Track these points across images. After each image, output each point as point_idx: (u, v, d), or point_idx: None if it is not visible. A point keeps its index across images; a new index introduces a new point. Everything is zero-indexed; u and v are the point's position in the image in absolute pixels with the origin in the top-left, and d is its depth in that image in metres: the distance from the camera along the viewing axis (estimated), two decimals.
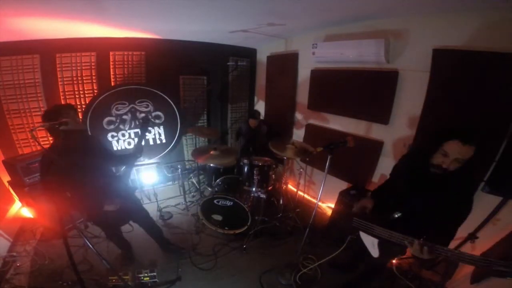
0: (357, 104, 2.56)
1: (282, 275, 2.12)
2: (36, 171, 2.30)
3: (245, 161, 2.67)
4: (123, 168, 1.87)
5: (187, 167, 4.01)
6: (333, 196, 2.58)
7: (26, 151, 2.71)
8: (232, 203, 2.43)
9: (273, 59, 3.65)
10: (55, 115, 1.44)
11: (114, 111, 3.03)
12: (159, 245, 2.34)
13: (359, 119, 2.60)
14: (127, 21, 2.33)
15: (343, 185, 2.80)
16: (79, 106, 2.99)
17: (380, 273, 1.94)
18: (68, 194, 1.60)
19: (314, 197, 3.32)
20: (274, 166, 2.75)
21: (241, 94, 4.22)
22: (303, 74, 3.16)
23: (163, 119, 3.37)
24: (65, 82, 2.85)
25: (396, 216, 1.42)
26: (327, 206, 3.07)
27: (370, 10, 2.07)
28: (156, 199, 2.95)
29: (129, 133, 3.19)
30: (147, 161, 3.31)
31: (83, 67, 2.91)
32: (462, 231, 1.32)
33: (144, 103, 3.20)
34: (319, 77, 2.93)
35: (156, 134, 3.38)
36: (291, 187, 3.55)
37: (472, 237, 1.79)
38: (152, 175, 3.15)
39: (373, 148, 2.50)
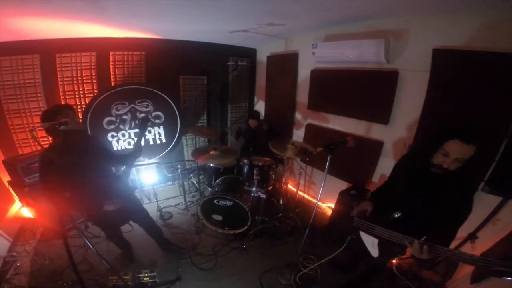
0: (357, 104, 2.56)
1: (282, 275, 2.12)
2: (36, 171, 2.30)
3: (245, 161, 2.67)
4: (122, 168, 1.87)
5: (187, 167, 4.01)
6: (333, 196, 2.58)
7: (26, 151, 2.72)
8: (232, 203, 2.43)
9: (273, 59, 3.65)
10: (55, 115, 1.44)
11: (114, 111, 3.03)
12: (159, 245, 2.34)
13: (359, 119, 2.60)
14: (127, 21, 2.33)
15: (343, 185, 2.80)
16: (79, 106, 2.99)
17: (380, 273, 1.95)
18: (68, 194, 1.60)
19: (314, 197, 3.32)
20: (274, 166, 2.75)
21: (241, 94, 4.22)
22: (303, 74, 3.16)
23: (163, 119, 3.37)
24: (65, 82, 2.85)
25: (396, 216, 1.42)
26: (327, 206, 3.07)
27: (370, 10, 2.07)
28: (156, 199, 2.95)
29: (129, 133, 3.19)
30: (147, 161, 3.31)
31: (83, 67, 2.91)
32: (462, 231, 1.32)
33: (144, 103, 3.20)
34: (319, 77, 2.93)
35: (156, 134, 3.38)
36: (291, 187, 3.55)
37: (472, 237, 1.79)
38: (152, 175, 3.15)
39: (373, 148, 2.49)
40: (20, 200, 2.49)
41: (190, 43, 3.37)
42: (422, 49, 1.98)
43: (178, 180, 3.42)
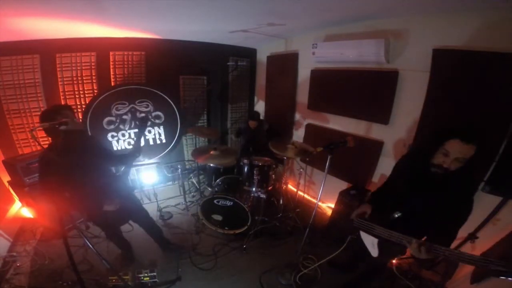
0: (357, 104, 2.56)
1: (282, 275, 2.12)
2: (36, 171, 2.30)
3: (245, 161, 2.67)
4: (122, 168, 1.87)
5: (187, 167, 4.01)
6: (333, 196, 2.58)
7: (26, 151, 2.72)
8: (232, 203, 2.43)
9: (273, 59, 3.65)
10: (54, 115, 1.44)
11: (114, 111, 3.03)
12: (159, 245, 2.34)
13: (359, 119, 2.60)
14: (127, 21, 2.33)
15: (343, 185, 2.80)
16: (79, 106, 2.99)
17: (380, 273, 1.95)
18: (67, 194, 1.60)
19: (314, 197, 3.32)
20: (274, 166, 2.75)
21: (241, 94, 4.22)
22: (303, 74, 3.16)
23: (163, 119, 3.37)
24: (65, 82, 2.85)
25: (396, 216, 1.42)
26: (327, 206, 3.07)
27: (370, 10, 2.07)
28: (156, 199, 2.95)
29: (129, 133, 3.19)
30: (147, 161, 3.31)
31: (83, 67, 2.91)
32: (462, 231, 1.32)
33: (144, 103, 3.20)
34: (319, 77, 2.93)
35: (156, 134, 3.38)
36: (291, 187, 3.55)
37: (472, 237, 1.79)
38: (152, 175, 3.15)
39: (373, 148, 2.49)
40: (20, 200, 2.49)
41: (190, 43, 3.37)
42: (422, 49, 1.98)
43: (178, 180, 3.42)
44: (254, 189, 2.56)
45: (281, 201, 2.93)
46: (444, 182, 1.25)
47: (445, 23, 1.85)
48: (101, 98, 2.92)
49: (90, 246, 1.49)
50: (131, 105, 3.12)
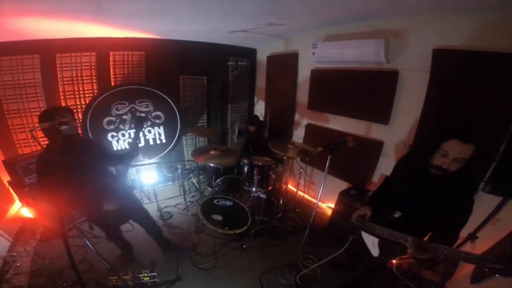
0: (357, 104, 2.56)
1: (282, 275, 2.12)
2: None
3: (245, 161, 2.67)
4: (120, 167, 1.87)
5: (187, 167, 4.01)
6: (333, 196, 2.58)
7: (26, 151, 2.72)
8: (232, 203, 2.43)
9: (273, 59, 3.65)
10: (54, 116, 1.44)
11: (114, 111, 3.03)
12: (159, 245, 2.34)
13: (359, 119, 2.60)
14: (127, 21, 2.33)
15: (343, 185, 2.80)
16: (79, 106, 2.99)
17: (380, 273, 1.94)
18: (67, 194, 1.60)
19: (314, 197, 3.32)
20: (274, 166, 2.75)
21: (241, 94, 4.22)
22: (303, 74, 3.16)
23: (163, 119, 3.37)
24: (65, 82, 2.85)
25: (397, 216, 1.42)
26: (327, 206, 3.07)
27: (370, 10, 2.07)
28: (156, 199, 2.95)
29: (129, 133, 3.19)
30: (147, 161, 3.31)
31: (83, 67, 2.91)
32: (462, 231, 1.32)
33: (144, 103, 3.20)
34: (319, 77, 2.93)
35: (156, 134, 3.38)
36: (291, 187, 3.55)
37: (472, 237, 1.78)
38: (152, 175, 3.15)
39: (373, 148, 2.49)
40: (20, 200, 2.49)
41: (190, 43, 3.36)
42: (422, 49, 1.98)
43: (178, 180, 3.41)
44: (254, 189, 2.56)
45: (281, 201, 2.93)
46: (444, 182, 1.25)
47: (445, 23, 1.85)
48: (101, 98, 2.92)
49: (90, 246, 1.49)
50: (131, 105, 3.12)
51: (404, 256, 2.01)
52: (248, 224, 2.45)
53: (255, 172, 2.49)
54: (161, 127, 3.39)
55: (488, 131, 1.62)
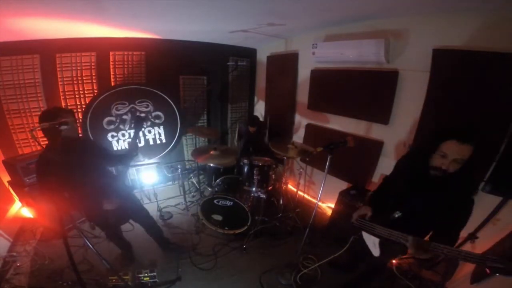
0: (357, 104, 2.56)
1: (282, 275, 2.12)
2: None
3: (245, 161, 2.67)
4: (120, 167, 1.87)
5: (187, 167, 4.01)
6: (333, 196, 2.58)
7: (26, 151, 2.72)
8: (232, 203, 2.43)
9: (273, 59, 3.65)
10: (54, 116, 1.44)
11: (114, 111, 3.03)
12: (159, 245, 2.34)
13: (359, 119, 2.60)
14: (127, 21, 2.33)
15: (343, 185, 2.80)
16: (79, 106, 2.99)
17: (380, 273, 1.94)
18: (67, 194, 1.60)
19: (314, 197, 3.32)
20: (274, 166, 2.75)
21: (241, 94, 4.22)
22: (303, 74, 3.16)
23: (163, 119, 3.37)
24: (65, 82, 2.85)
25: (397, 216, 1.42)
26: (327, 206, 3.07)
27: (370, 10, 2.07)
28: (156, 199, 2.95)
29: (129, 133, 3.19)
30: (147, 161, 3.31)
31: (83, 67, 2.91)
32: (462, 231, 1.32)
33: (144, 103, 3.20)
34: (319, 77, 2.93)
35: (156, 134, 3.38)
36: (291, 187, 3.55)
37: (472, 237, 1.78)
38: (152, 175, 3.14)
39: (373, 148, 2.49)
40: (20, 200, 2.49)
41: (190, 43, 3.36)
42: (422, 49, 1.98)
43: (178, 180, 3.41)
44: (254, 189, 2.55)
45: (281, 201, 2.93)
46: (444, 183, 1.25)
47: (445, 23, 1.85)
48: (101, 98, 2.92)
49: (90, 246, 1.49)
50: (131, 105, 3.12)
51: (404, 256, 2.01)
52: (248, 224, 2.45)
53: (255, 172, 2.48)
54: (161, 127, 3.39)
55: (488, 131, 1.62)
